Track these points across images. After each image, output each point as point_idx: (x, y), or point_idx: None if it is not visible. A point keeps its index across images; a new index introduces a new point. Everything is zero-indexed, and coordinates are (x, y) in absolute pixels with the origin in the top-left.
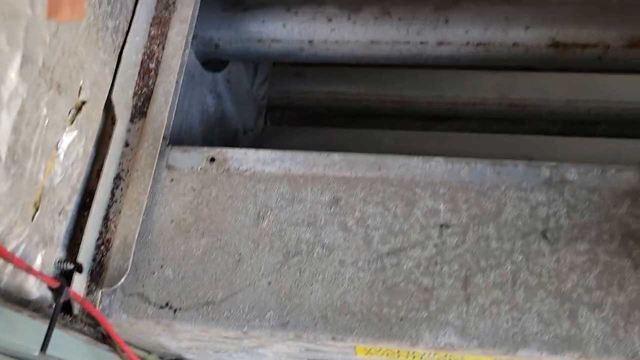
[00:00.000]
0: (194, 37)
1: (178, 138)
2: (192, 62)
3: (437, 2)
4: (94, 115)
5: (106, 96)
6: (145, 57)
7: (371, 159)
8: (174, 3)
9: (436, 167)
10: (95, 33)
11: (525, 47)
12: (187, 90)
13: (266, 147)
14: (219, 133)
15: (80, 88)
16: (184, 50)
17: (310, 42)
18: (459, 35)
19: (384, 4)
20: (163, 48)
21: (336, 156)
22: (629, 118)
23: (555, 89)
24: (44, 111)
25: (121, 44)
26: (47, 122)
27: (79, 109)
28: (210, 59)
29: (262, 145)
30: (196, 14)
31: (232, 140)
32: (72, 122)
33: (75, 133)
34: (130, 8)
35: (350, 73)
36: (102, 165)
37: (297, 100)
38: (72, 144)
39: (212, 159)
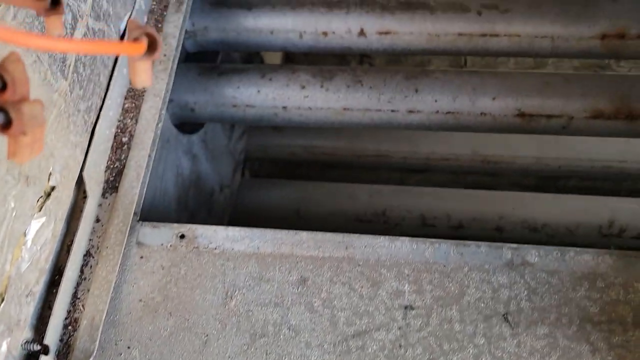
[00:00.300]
0: (170, 101)
1: (152, 204)
2: (167, 126)
3: (407, 71)
4: (64, 197)
5: (77, 175)
6: (119, 130)
7: (338, 238)
8: None
9: (401, 247)
10: (67, 119)
11: (493, 116)
12: (161, 155)
13: (244, 203)
14: (194, 194)
15: (50, 174)
16: (157, 124)
17: (284, 107)
18: (428, 104)
19: (355, 72)
20: (136, 121)
21: (304, 235)
22: (597, 175)
23: (526, 146)
24: (12, 204)
25: (94, 122)
26: (14, 213)
27: (48, 195)
28: (186, 122)
29: (239, 201)
30: (170, 87)
31: (209, 199)
32: (40, 209)
33: (43, 219)
34: (104, 84)
35: (327, 128)
36: (72, 241)
37: (275, 153)
38: (40, 229)
39: (182, 236)
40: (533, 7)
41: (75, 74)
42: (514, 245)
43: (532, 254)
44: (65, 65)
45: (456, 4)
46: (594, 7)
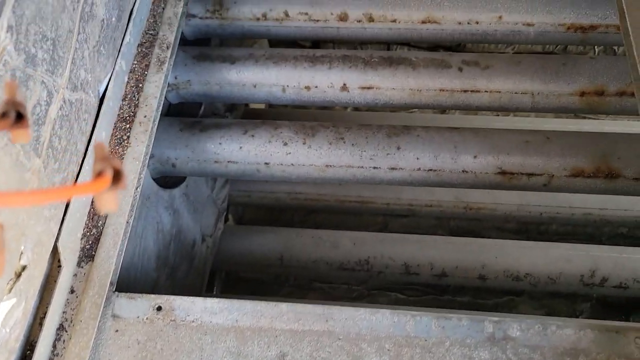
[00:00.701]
0: (151, 156)
1: (130, 264)
2: (148, 182)
3: (389, 128)
4: (36, 273)
5: (51, 247)
6: None
7: (318, 310)
8: (127, 138)
9: (382, 319)
10: None
11: (474, 174)
12: (141, 213)
13: (226, 250)
14: (175, 248)
15: (21, 253)
16: (136, 188)
17: (267, 164)
18: (410, 161)
19: (338, 129)
20: None
21: (284, 307)
22: (578, 221)
23: (508, 194)
24: None
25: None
26: None
27: (18, 275)
28: (167, 177)
29: (222, 248)
30: (150, 149)
31: (190, 252)
32: (10, 291)
33: (13, 300)
34: (82, 151)
35: None
36: (45, 313)
37: (259, 199)
38: (10, 311)
39: (159, 308)
40: (513, 64)
41: (50, 149)
42: (495, 319)
43: (514, 327)
44: (39, 143)
45: (437, 60)
46: (573, 64)
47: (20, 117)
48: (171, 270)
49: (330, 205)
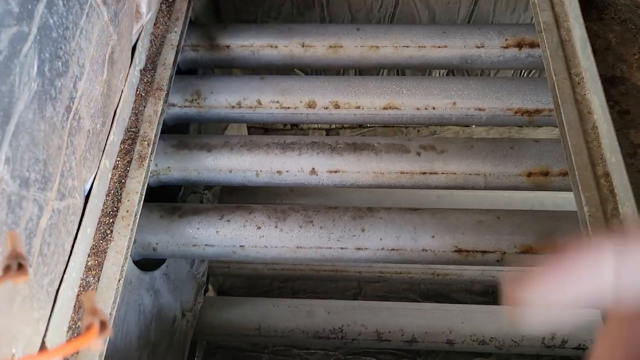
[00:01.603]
0: (133, 242)
1: (114, 349)
2: (130, 268)
3: (354, 210)
4: None
5: (40, 344)
6: (81, 289)
7: None
8: (111, 233)
9: None
10: (30, 301)
11: (433, 252)
12: (123, 298)
13: (206, 322)
14: (156, 327)
15: (13, 356)
16: (119, 281)
17: (242, 246)
18: (374, 242)
19: (307, 213)
20: (98, 279)
21: None
22: None
23: None
24: None
25: (57, 289)
26: None
27: None
28: (148, 260)
29: (201, 320)
30: (132, 242)
31: (170, 328)
32: None
33: None
34: (68, 250)
35: None
36: None
37: (237, 270)
38: None
39: None
40: (466, 148)
41: (40, 257)
42: None
43: None
44: (30, 254)
45: (397, 145)
46: (520, 148)
47: (20, 267)
48: (153, 348)
49: (306, 274)
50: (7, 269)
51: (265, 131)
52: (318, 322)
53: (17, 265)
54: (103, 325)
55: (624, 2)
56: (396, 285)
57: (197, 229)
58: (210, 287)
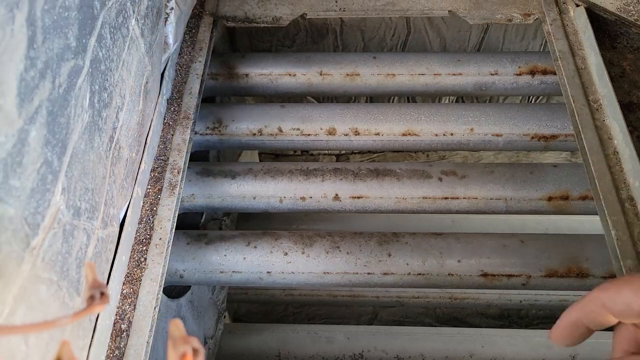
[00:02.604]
0: None
1: None
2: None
3: (380, 236)
4: None
5: None
6: (118, 317)
7: None
8: (145, 260)
9: None
10: (77, 329)
11: (459, 276)
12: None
13: (226, 349)
14: None
15: None
16: (155, 308)
17: (269, 272)
18: (400, 267)
19: (333, 238)
20: (134, 307)
21: None
22: (555, 307)
23: None
24: None
25: (97, 316)
26: None
27: None
28: (173, 287)
29: (221, 347)
30: (166, 269)
31: None
32: None
33: None
34: (105, 277)
35: None
36: None
37: (255, 297)
38: None
39: None
40: (486, 173)
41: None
42: None
43: None
44: (79, 283)
45: (419, 171)
46: (539, 173)
47: (102, 295)
48: None
49: (322, 300)
50: (91, 298)
51: (276, 157)
52: (338, 347)
53: (100, 294)
54: (195, 352)
55: (635, 31)
56: (412, 310)
57: (225, 255)
58: (226, 314)
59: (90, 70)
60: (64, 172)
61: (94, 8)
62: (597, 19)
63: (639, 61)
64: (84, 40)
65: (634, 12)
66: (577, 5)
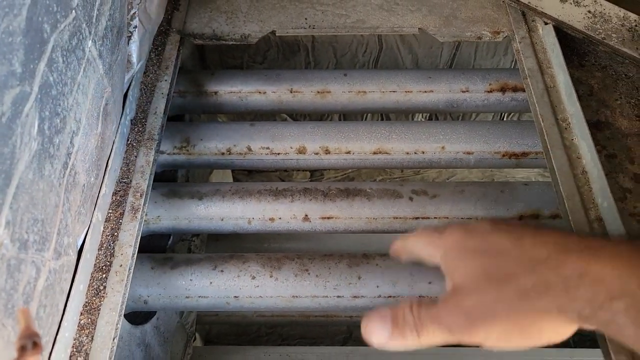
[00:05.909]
0: None
1: None
2: (122, 323)
3: (350, 257)
4: None
5: None
6: (74, 350)
7: None
8: (104, 289)
9: None
10: None
11: (430, 299)
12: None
13: None
14: None
15: None
16: (114, 339)
17: (236, 297)
18: (371, 289)
19: (302, 261)
20: (92, 339)
21: None
22: None
23: None
24: None
25: (50, 350)
26: None
27: None
28: (137, 313)
29: None
30: (126, 298)
31: None
32: None
33: None
34: (61, 309)
35: None
36: None
37: (225, 318)
38: None
39: None
40: (457, 192)
41: (36, 321)
42: None
43: None
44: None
45: (390, 190)
46: (510, 191)
47: (35, 345)
48: None
49: (295, 320)
50: (22, 349)
51: (249, 172)
52: None
53: (32, 344)
54: None
55: (603, 50)
56: None
57: (190, 280)
58: (197, 335)
59: (39, 96)
60: (8, 204)
61: (44, 32)
62: (565, 37)
63: (607, 79)
64: (31, 66)
65: (600, 31)
66: (546, 23)
